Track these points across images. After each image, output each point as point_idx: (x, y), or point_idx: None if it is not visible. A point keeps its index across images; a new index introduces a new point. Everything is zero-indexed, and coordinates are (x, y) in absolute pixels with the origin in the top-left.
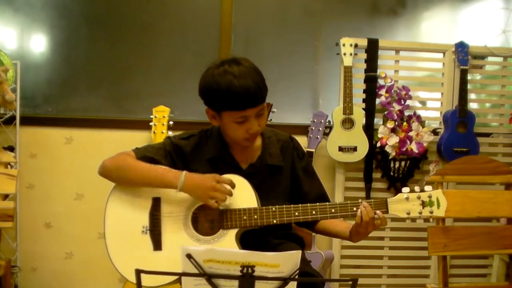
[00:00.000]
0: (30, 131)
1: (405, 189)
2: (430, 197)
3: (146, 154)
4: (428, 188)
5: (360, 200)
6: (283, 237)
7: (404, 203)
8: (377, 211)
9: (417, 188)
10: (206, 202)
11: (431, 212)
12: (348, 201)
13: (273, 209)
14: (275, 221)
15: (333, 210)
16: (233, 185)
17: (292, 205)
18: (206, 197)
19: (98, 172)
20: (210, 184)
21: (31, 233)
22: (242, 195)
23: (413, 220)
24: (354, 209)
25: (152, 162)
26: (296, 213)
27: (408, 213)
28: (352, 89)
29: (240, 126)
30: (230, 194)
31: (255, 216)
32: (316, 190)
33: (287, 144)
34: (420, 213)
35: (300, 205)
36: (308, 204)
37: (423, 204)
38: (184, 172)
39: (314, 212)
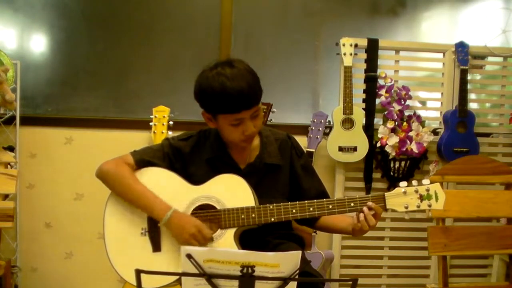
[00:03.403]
0: (30, 131)
1: (403, 183)
2: (428, 190)
3: (143, 157)
4: (426, 181)
5: (357, 196)
6: (283, 237)
7: (402, 197)
8: (369, 203)
9: (414, 182)
10: (182, 245)
11: (430, 206)
12: (346, 197)
13: (271, 207)
14: (273, 219)
15: (330, 206)
16: (211, 240)
17: (289, 203)
18: (183, 242)
19: (95, 174)
20: (191, 231)
21: (31, 233)
22: (240, 195)
23: (412, 213)
24: (352, 204)
25: (150, 165)
26: (294, 210)
27: (406, 207)
28: (352, 89)
29: (236, 128)
30: (206, 245)
31: (253, 215)
32: (316, 187)
33: (285, 143)
34: (418, 206)
35: (297, 202)
36: (306, 201)
37: (421, 197)
38: (172, 210)
39: (311, 209)
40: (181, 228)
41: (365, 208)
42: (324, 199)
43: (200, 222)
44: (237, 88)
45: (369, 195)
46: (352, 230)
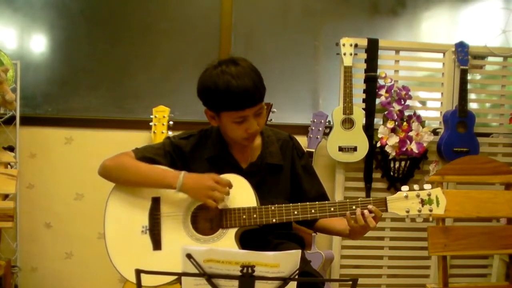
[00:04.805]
0: (30, 131)
1: (404, 188)
2: (429, 195)
3: (145, 155)
4: (427, 186)
5: (359, 199)
6: (283, 237)
7: (403, 202)
8: (370, 206)
9: (416, 187)
10: (205, 201)
11: (431, 210)
12: (347, 200)
13: (272, 208)
14: (274, 220)
15: (332, 209)
16: (230, 185)
17: (291, 204)
18: (204, 197)
19: (98, 173)
20: (208, 183)
21: (31, 233)
22: (242, 194)
23: (413, 219)
24: (354, 207)
25: (152, 162)
26: (295, 212)
27: (408, 211)
28: (352, 89)
29: (239, 126)
30: (228, 194)
31: (254, 215)
32: (316, 188)
33: (286, 143)
34: (420, 211)
35: (299, 204)
36: (308, 203)
37: (422, 202)
38: (183, 172)
39: (313, 211)
40: (197, 186)
41: (365, 211)
42: (326, 202)
43: (213, 173)
44: (242, 86)
45: (371, 198)
46: (349, 232)
